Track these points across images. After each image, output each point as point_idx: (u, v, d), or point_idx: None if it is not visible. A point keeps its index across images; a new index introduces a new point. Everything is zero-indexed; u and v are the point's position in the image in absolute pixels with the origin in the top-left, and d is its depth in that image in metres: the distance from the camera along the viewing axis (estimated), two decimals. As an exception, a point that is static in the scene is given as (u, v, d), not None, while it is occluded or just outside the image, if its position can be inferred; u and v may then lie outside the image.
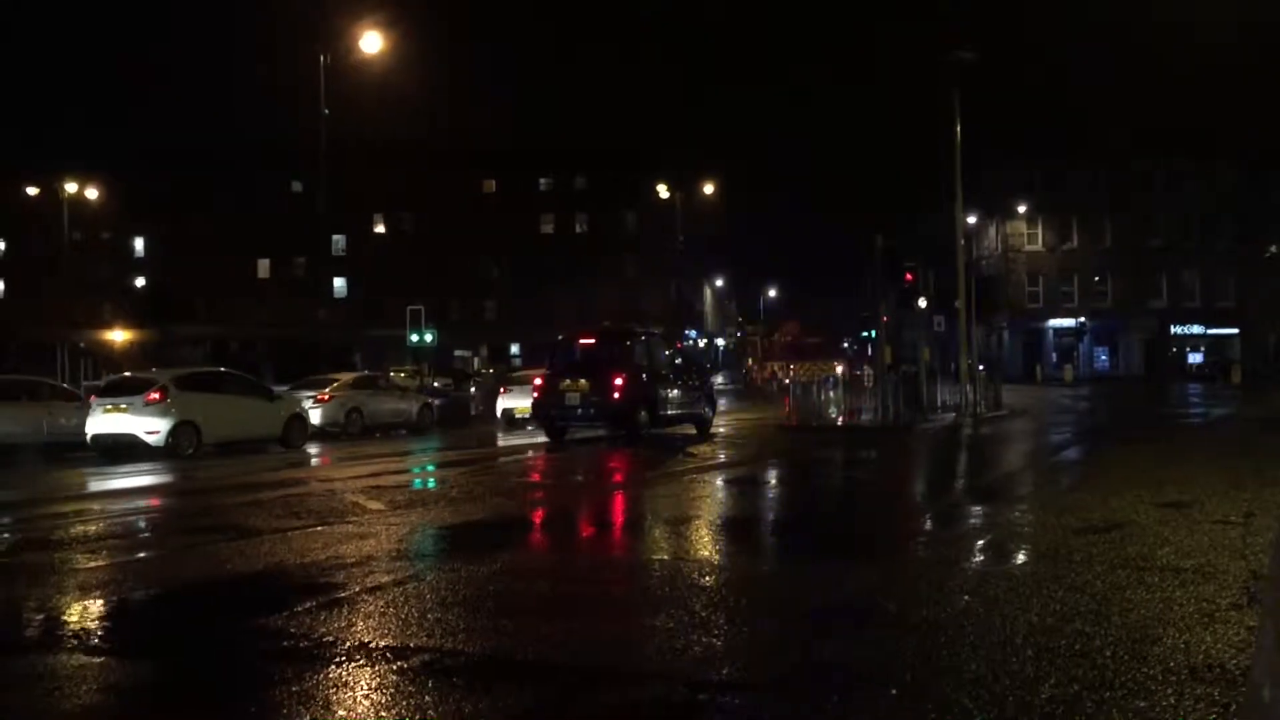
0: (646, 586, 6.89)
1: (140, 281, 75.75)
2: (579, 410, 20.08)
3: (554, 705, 4.50)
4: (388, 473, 15.35)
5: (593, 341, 22.07)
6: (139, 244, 79.98)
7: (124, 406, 18.86)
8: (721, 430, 23.08)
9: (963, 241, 31.37)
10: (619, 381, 19.70)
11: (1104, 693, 4.36)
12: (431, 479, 15.17)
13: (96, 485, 15.00)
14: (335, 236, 72.18)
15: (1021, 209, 67.83)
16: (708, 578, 7.09)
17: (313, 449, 21.03)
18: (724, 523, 9.97)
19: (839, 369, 36.29)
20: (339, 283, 72.72)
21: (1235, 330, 67.60)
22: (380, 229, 79.16)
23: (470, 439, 23.50)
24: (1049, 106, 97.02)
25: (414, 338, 40.48)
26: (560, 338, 23.40)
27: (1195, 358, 68.45)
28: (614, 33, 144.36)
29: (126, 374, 21.04)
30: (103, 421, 18.97)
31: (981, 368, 33.14)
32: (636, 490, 13.13)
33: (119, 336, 42.49)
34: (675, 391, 21.37)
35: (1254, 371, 55.24)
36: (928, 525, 9.78)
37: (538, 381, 21.44)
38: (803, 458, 17.36)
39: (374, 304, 63.91)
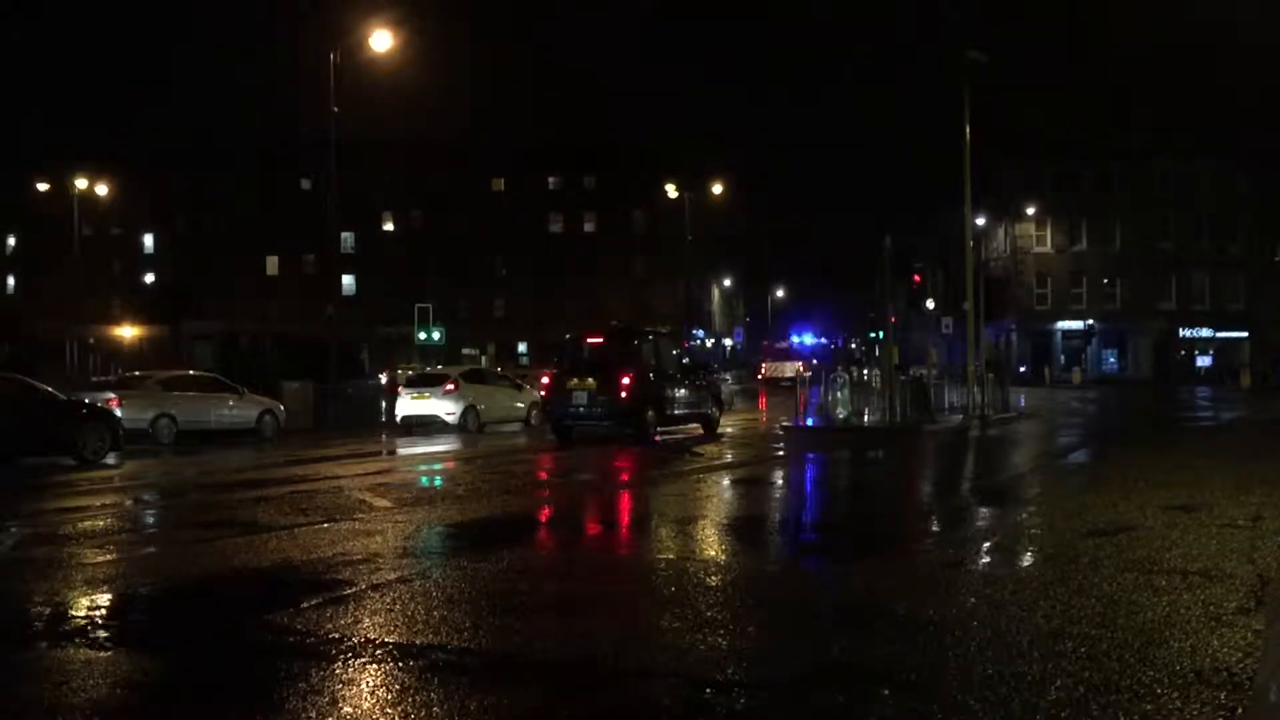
0: (652, 585, 6.90)
1: (150, 278, 75.94)
2: (586, 409, 20.10)
3: (559, 703, 4.50)
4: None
5: (601, 340, 22.07)
6: (149, 240, 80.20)
7: (427, 395, 24.98)
8: (729, 430, 23.07)
9: (971, 243, 31.29)
10: (627, 381, 19.70)
11: (1110, 695, 4.35)
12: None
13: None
14: (344, 234, 72.26)
15: (1031, 210, 67.59)
16: (714, 577, 7.09)
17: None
18: (730, 522, 9.97)
19: (799, 367, 39.98)
20: (348, 280, 72.76)
21: (1245, 334, 67.30)
22: (389, 227, 79.29)
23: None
24: (1060, 107, 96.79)
25: (422, 335, 40.47)
26: (568, 336, 23.43)
27: (1204, 361, 68.19)
28: (625, 34, 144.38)
29: (427, 370, 27.60)
30: (411, 405, 25.17)
31: (1023, 369, 33.30)
32: (643, 489, 13.13)
33: (128, 332, 42.49)
34: (683, 391, 21.37)
35: (1264, 375, 54.98)
36: (935, 526, 9.77)
37: (545, 380, 21.48)
38: (810, 458, 17.34)
39: (383, 302, 63.91)
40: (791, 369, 44.26)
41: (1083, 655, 4.93)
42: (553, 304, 71.69)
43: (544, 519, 10.75)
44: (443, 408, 24.66)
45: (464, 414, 24.49)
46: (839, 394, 25.37)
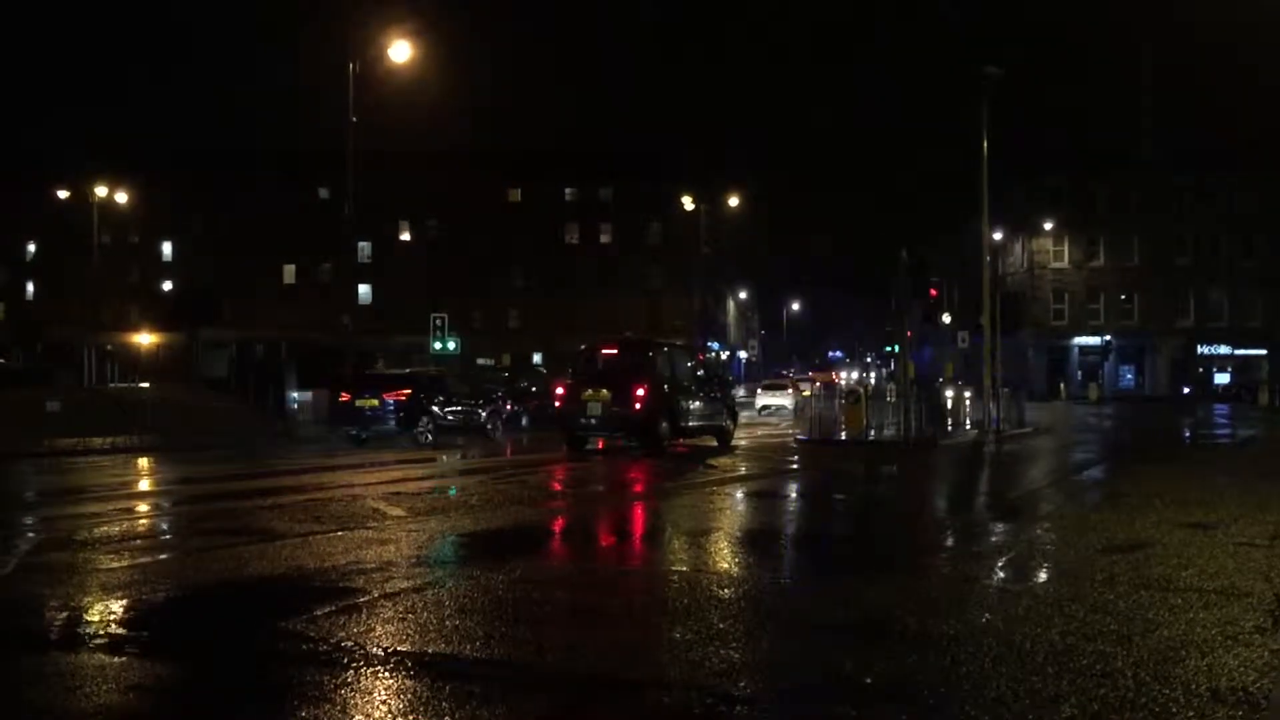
0: (665, 597, 6.88)
1: (167, 285, 76.38)
2: (600, 420, 20.09)
3: (570, 713, 4.50)
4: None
5: (615, 352, 22.05)
6: (166, 247, 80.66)
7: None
8: (743, 442, 23.04)
9: (988, 257, 31.22)
10: (640, 392, 19.69)
11: (1125, 714, 4.32)
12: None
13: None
14: (361, 243, 72.54)
15: (1048, 225, 67.38)
16: (726, 590, 7.08)
17: None
18: (743, 535, 9.94)
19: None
20: (363, 289, 72.95)
21: (1264, 351, 66.89)
22: (405, 236, 79.54)
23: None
24: (1078, 121, 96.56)
25: (437, 345, 40.49)
26: (583, 347, 23.43)
27: (1222, 378, 67.78)
28: (640, 44, 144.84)
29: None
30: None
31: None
32: (656, 501, 13.12)
33: (145, 339, 42.70)
34: (696, 403, 21.34)
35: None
36: (949, 541, 9.73)
37: (560, 391, 21.48)
38: (823, 472, 17.29)
39: (398, 311, 64.04)
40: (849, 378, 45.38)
41: (1098, 672, 4.90)
42: (568, 315, 71.76)
43: (557, 529, 10.74)
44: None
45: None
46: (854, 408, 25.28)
